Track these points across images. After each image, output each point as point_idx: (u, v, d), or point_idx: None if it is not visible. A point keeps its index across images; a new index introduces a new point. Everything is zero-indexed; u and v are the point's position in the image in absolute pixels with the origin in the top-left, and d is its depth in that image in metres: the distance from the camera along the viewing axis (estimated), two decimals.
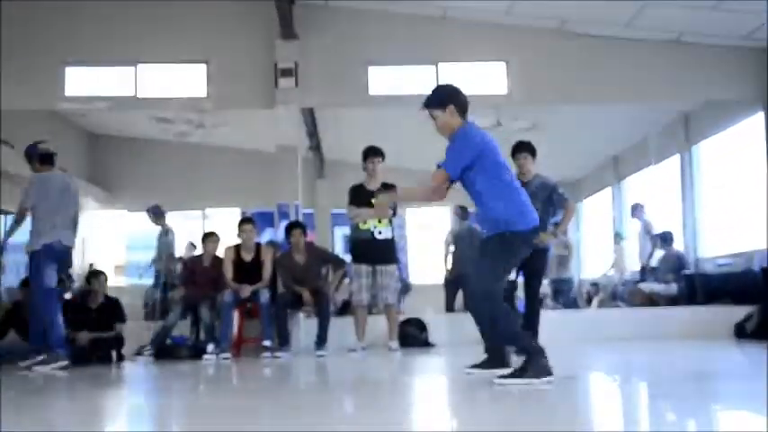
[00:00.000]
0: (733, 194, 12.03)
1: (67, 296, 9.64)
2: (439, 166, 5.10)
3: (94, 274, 9.03)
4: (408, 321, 9.34)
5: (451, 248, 11.55)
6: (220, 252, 9.15)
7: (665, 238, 11.68)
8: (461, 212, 11.71)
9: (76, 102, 11.32)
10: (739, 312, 9.41)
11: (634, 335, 9.27)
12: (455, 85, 5.34)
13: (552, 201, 7.44)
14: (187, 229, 15.06)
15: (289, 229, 9.00)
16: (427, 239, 16.40)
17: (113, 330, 8.46)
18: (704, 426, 3.36)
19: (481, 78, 11.32)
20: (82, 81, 11.07)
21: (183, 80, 11.19)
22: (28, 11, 10.71)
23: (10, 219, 8.07)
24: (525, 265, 7.54)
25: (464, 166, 4.95)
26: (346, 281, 9.62)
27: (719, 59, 10.77)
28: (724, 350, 7.95)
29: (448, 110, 5.08)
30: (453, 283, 11.34)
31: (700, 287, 10.52)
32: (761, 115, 10.94)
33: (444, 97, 5.17)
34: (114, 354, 8.33)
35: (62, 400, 5.41)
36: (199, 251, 9.79)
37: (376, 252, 8.25)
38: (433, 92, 5.28)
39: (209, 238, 9.31)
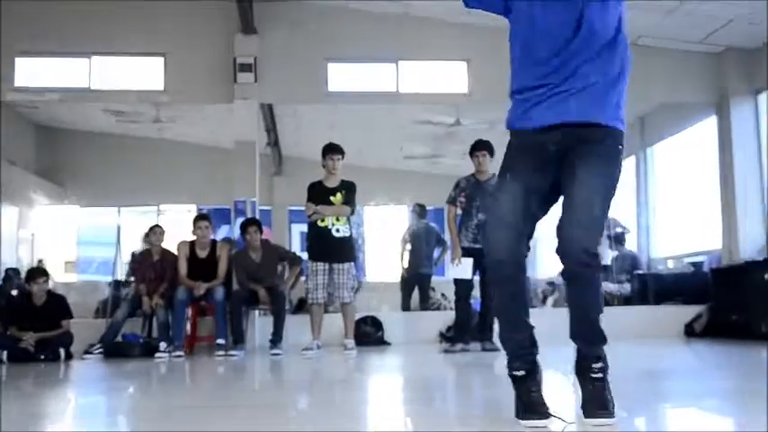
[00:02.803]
0: (686, 196, 12.21)
1: (14, 292, 9.52)
2: None
3: (32, 276, 8.80)
4: (364, 320, 9.33)
5: (408, 246, 11.56)
6: (169, 246, 9.08)
7: (619, 239, 11.80)
8: (419, 210, 11.75)
9: (27, 92, 11.11)
10: (689, 312, 9.57)
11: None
12: None
13: None
14: (141, 226, 14.85)
15: (244, 227, 8.94)
16: (384, 237, 16.38)
17: (60, 327, 8.35)
18: (654, 423, 3.38)
19: (442, 77, 11.38)
20: (33, 72, 10.88)
21: (140, 73, 11.11)
22: None
23: None
24: (480, 263, 7.63)
25: None
26: (302, 279, 9.55)
27: (676, 63, 10.92)
28: (673, 348, 8.06)
29: None
30: (409, 281, 11.38)
31: (652, 287, 10.64)
32: (713, 119, 11.12)
33: None
34: (62, 352, 8.20)
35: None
36: (145, 246, 9.65)
37: (333, 250, 8.18)
38: None
39: (153, 230, 9.21)
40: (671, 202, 12.69)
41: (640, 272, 11.37)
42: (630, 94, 3.34)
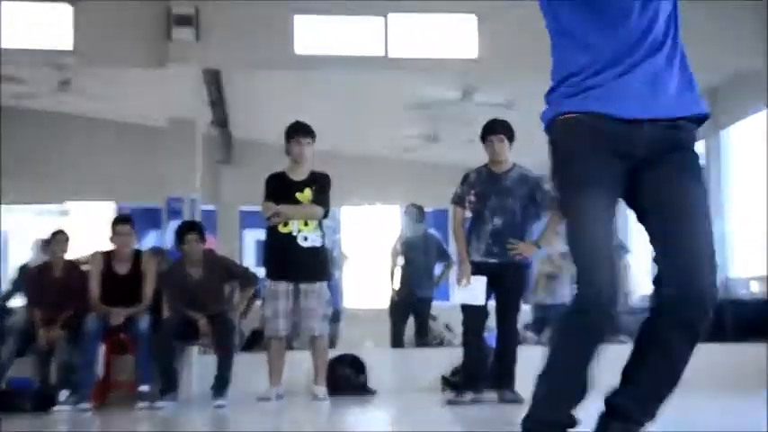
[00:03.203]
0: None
1: None
2: None
3: None
4: (341, 359, 9.20)
5: (401, 261, 11.44)
6: (76, 257, 9.04)
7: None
8: (416, 212, 11.61)
9: None
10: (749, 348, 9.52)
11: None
12: None
13: (535, 200, 7.49)
14: (39, 229, 14.75)
15: (180, 233, 8.83)
16: (368, 248, 16.35)
17: None
18: None
19: (445, 37, 11.39)
20: None
21: (41, 26, 11.04)
22: None
23: None
24: (499, 284, 7.51)
25: None
26: (258, 303, 9.52)
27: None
28: (760, 402, 7.91)
29: None
30: (403, 307, 11.27)
31: (729, 318, 10.50)
32: None
33: None
34: None
35: None
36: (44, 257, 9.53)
37: (300, 265, 8.11)
38: None
39: (54, 237, 9.10)
40: (753, 202, 12.60)
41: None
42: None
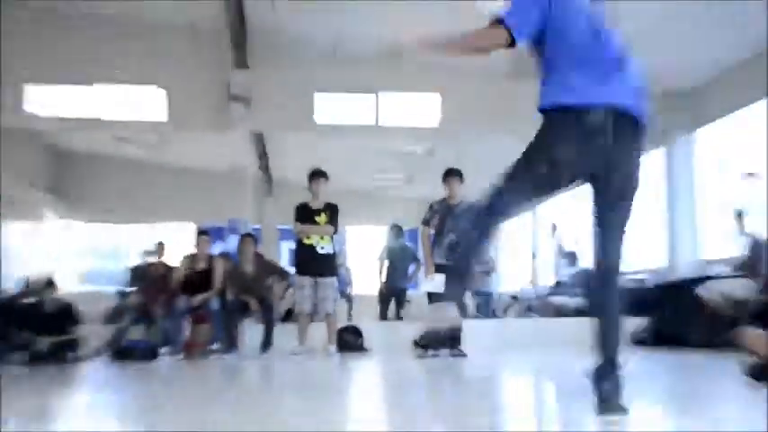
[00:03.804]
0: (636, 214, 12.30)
1: (26, 300, 9.50)
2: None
3: (43, 287, 8.86)
4: (346, 328, 9.27)
5: (386, 263, 11.60)
6: (173, 260, 9.10)
7: (573, 257, 11.96)
8: (396, 230, 11.79)
9: (37, 119, 11.08)
10: (636, 323, 9.65)
11: (544, 342, 9.44)
12: None
13: None
14: (144, 241, 14.82)
15: (240, 240, 9.00)
16: (364, 255, 16.38)
17: (68, 333, 8.34)
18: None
19: (417, 110, 11.46)
20: (42, 99, 10.87)
21: (145, 103, 11.13)
22: None
23: None
24: None
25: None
26: (290, 291, 9.58)
27: None
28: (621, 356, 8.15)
29: None
30: (387, 294, 11.43)
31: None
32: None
33: None
34: (71, 356, 8.18)
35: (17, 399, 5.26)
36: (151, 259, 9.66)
37: (318, 265, 8.23)
38: None
39: (158, 247, 9.28)
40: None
41: None
42: None
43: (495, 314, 12.75)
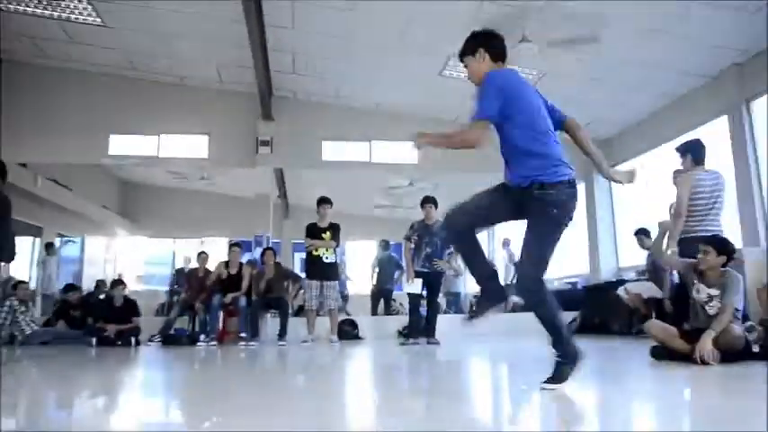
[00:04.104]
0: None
1: (101, 296, 9.55)
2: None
3: (114, 285, 8.87)
4: (345, 321, 9.31)
5: (376, 270, 11.62)
6: (210, 266, 9.09)
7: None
8: (384, 244, 11.83)
9: (116, 159, 11.25)
10: (568, 316, 9.68)
11: (502, 333, 9.44)
12: (492, 30, 3.24)
13: None
14: (189, 251, 14.85)
15: (264, 251, 8.99)
16: (360, 264, 16.37)
17: (132, 323, 8.33)
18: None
19: (400, 152, 11.51)
20: (121, 145, 11.02)
21: (192, 146, 11.15)
22: (83, 90, 10.85)
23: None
24: (429, 282, 7.66)
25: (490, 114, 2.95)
26: (302, 292, 9.57)
27: None
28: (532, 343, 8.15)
29: (477, 54, 3.13)
30: (377, 294, 11.42)
31: None
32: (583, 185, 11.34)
33: (473, 42, 3.16)
34: (133, 340, 8.17)
35: (95, 372, 5.27)
36: (194, 265, 9.65)
37: (323, 272, 8.23)
38: (465, 40, 3.20)
39: (201, 255, 9.28)
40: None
41: None
42: None
43: (462, 311, 12.80)
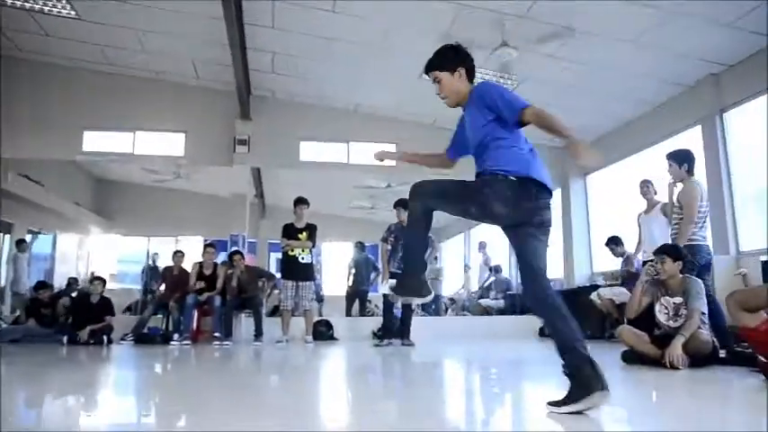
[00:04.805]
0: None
1: (74, 294, 9.41)
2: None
3: (94, 279, 8.78)
4: (320, 322, 9.28)
5: (352, 271, 11.64)
6: (186, 265, 9.01)
7: (497, 269, 12.09)
8: (360, 246, 11.85)
9: (90, 155, 11.06)
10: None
11: (475, 335, 9.53)
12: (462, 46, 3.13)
13: None
14: (163, 251, 14.70)
15: (230, 256, 8.94)
16: (335, 264, 16.38)
17: (105, 321, 8.23)
18: (514, 390, 3.51)
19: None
20: (95, 141, 10.83)
21: (168, 143, 11.04)
22: (57, 84, 10.67)
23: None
24: None
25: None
26: (276, 291, 9.52)
27: None
28: (530, 345, 8.26)
29: (456, 72, 3.04)
30: (352, 295, 11.44)
31: (518, 303, 10.89)
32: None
33: (453, 59, 3.05)
34: (105, 338, 8.07)
35: (66, 371, 5.20)
36: (167, 262, 9.57)
37: (299, 272, 8.20)
38: (438, 53, 3.09)
39: (176, 254, 9.21)
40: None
41: (511, 292, 11.64)
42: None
43: (438, 312, 12.87)
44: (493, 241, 13.05)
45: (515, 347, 7.68)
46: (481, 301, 11.98)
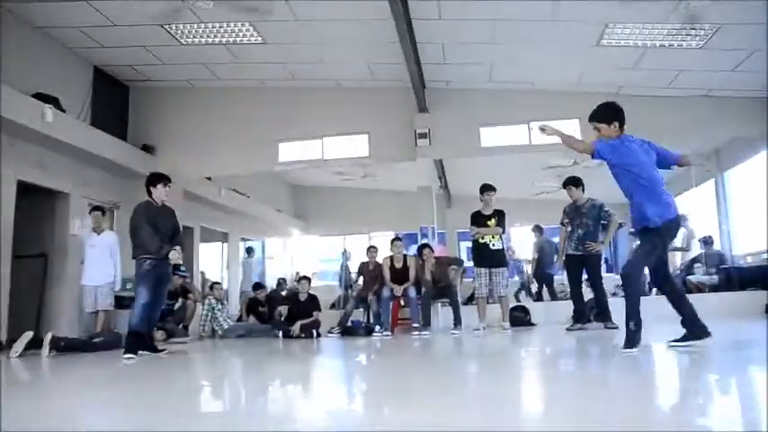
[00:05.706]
0: (756, 207, 11.17)
1: (284, 293, 10.23)
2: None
3: (301, 279, 9.52)
4: (516, 308, 9.19)
5: (535, 255, 11.43)
6: (379, 259, 9.31)
7: (707, 241, 11.03)
8: (539, 230, 11.51)
9: (286, 165, 11.91)
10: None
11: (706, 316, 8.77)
12: (617, 103, 4.56)
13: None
14: (357, 247, 15.47)
15: (420, 249, 9.07)
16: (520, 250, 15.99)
17: (313, 317, 8.85)
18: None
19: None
20: (289, 151, 11.66)
21: (354, 145, 11.47)
22: (250, 104, 11.63)
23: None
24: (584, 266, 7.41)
25: (603, 157, 4.40)
26: (468, 280, 9.50)
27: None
28: (758, 325, 7.40)
29: (612, 125, 4.45)
30: (538, 280, 11.35)
31: (735, 277, 9.85)
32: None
33: (612, 115, 4.49)
34: (314, 332, 8.69)
35: (284, 361, 5.66)
36: (363, 259, 9.94)
37: (491, 259, 8.12)
38: (600, 107, 4.55)
39: (370, 250, 9.53)
40: (746, 211, 11.65)
41: (725, 266, 10.58)
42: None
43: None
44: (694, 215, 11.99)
45: (738, 327, 6.94)
46: (690, 277, 11.00)
